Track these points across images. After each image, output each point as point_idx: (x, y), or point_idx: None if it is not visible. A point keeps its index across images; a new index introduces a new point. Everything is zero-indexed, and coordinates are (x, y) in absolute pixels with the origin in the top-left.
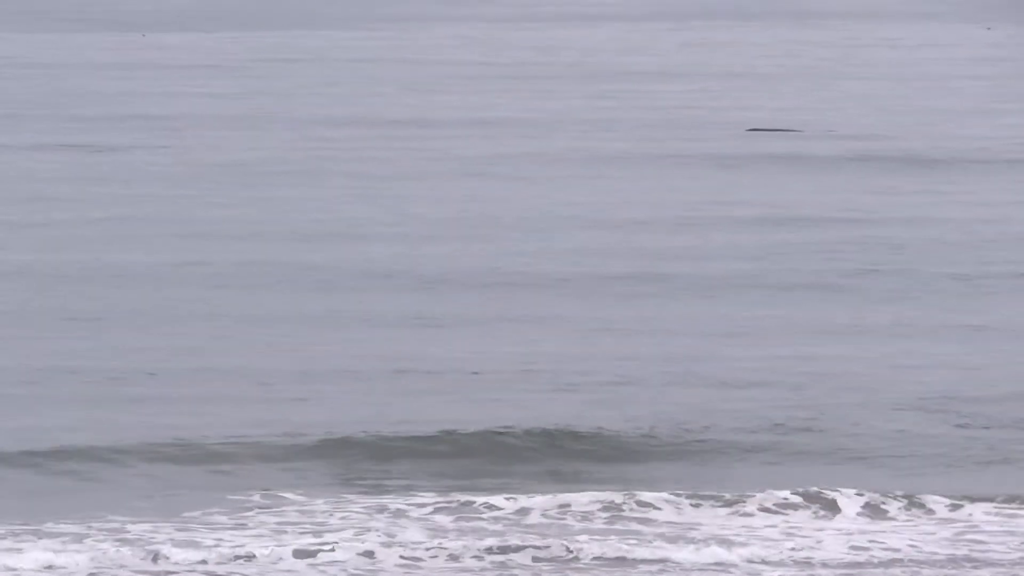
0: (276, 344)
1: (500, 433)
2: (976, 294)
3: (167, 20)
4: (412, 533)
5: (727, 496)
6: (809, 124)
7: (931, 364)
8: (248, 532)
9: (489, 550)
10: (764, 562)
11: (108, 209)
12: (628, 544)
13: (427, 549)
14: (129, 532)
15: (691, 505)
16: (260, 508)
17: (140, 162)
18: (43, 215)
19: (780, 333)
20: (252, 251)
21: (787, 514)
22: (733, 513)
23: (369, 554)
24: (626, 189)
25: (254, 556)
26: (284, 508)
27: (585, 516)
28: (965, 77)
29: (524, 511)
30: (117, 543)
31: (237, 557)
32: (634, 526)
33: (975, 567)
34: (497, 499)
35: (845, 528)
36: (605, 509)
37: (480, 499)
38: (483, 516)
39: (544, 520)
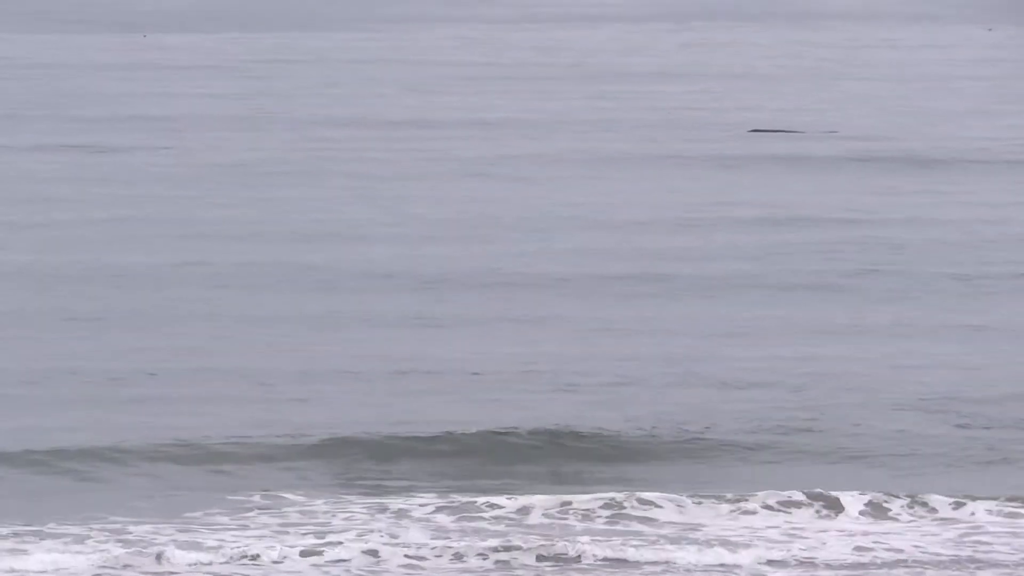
0: (276, 344)
1: (501, 433)
2: (976, 294)
3: (168, 21)
4: (415, 534)
5: (729, 496)
6: (810, 125)
7: (931, 364)
8: (250, 533)
9: (492, 550)
10: (767, 563)
11: (109, 210)
12: (630, 545)
13: (431, 549)
14: (131, 533)
15: (693, 505)
16: (261, 509)
17: (141, 163)
18: (43, 216)
19: (781, 333)
20: (252, 252)
21: (790, 514)
22: (735, 513)
23: (373, 554)
24: (626, 190)
25: (259, 557)
26: (285, 509)
27: (587, 516)
28: (966, 78)
29: (526, 511)
30: (120, 544)
31: (242, 557)
32: (636, 526)
33: (979, 568)
34: (499, 499)
35: (848, 529)
36: (607, 509)
37: (482, 499)
38: (485, 516)
39: (546, 520)
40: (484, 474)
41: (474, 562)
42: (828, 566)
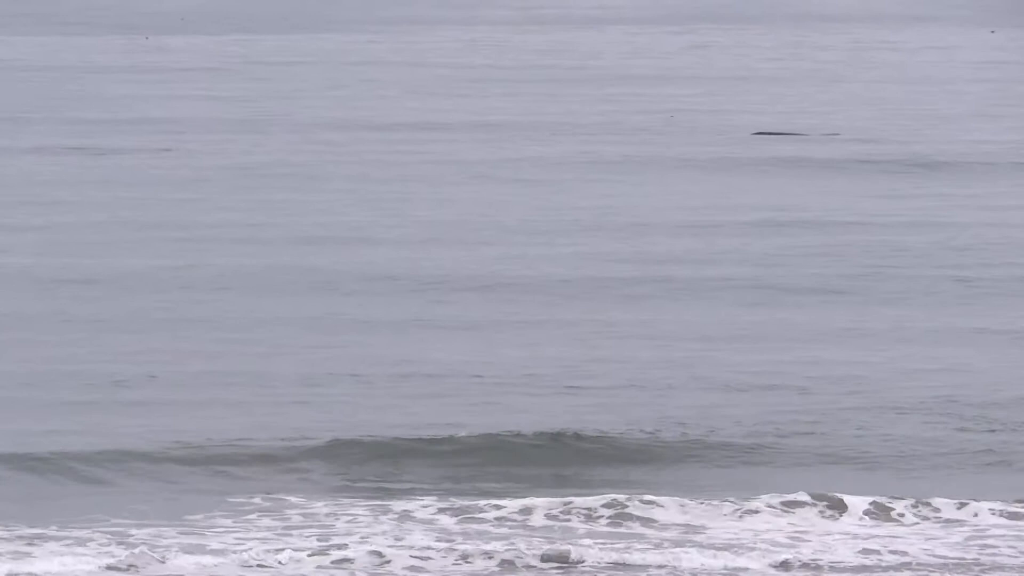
0: (278, 347)
1: (504, 436)
2: (979, 297)
3: (170, 23)
4: (418, 536)
5: (733, 499)
6: (813, 127)
7: (935, 367)
8: (253, 535)
9: (496, 553)
10: (772, 566)
11: (110, 212)
12: (634, 547)
13: (436, 551)
14: (133, 536)
15: (697, 508)
16: (263, 511)
17: (142, 165)
18: (45, 218)
19: (784, 336)
20: (254, 254)
21: (794, 517)
22: (739, 516)
23: (378, 556)
24: (629, 192)
25: (262, 559)
26: (287, 511)
27: (590, 518)
28: (969, 80)
29: (529, 513)
30: (123, 547)
31: (246, 560)
32: (639, 529)
33: (984, 571)
34: (502, 501)
35: (853, 532)
36: (610, 511)
37: (485, 502)
38: (488, 519)
39: (549, 523)
40: (487, 476)
41: (479, 564)
42: (833, 569)
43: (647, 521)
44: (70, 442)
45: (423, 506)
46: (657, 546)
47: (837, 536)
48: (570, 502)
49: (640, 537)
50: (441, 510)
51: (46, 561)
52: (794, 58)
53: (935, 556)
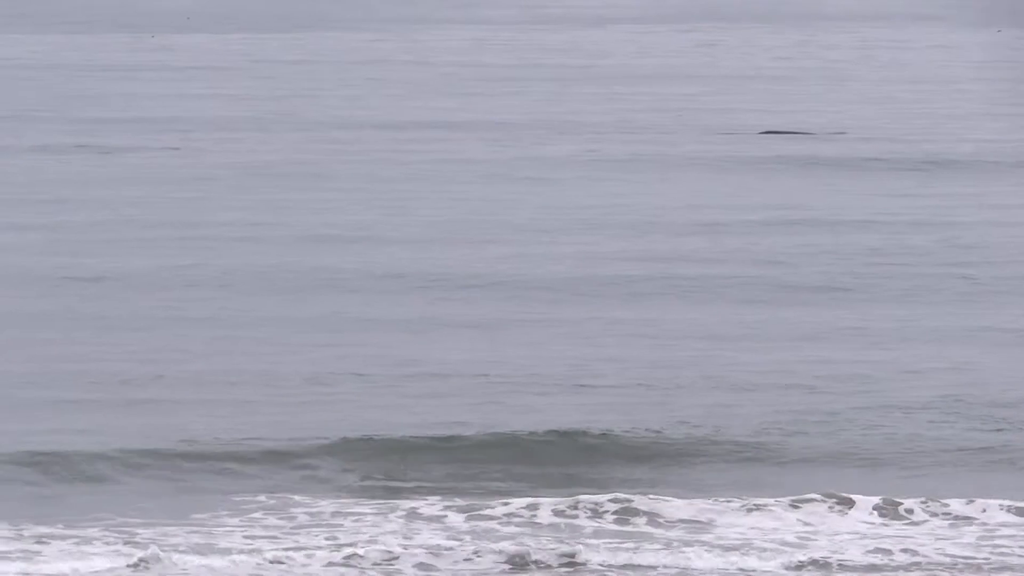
0: (285, 346)
1: (511, 434)
2: (986, 296)
3: (175, 22)
4: (427, 535)
5: (741, 498)
6: (819, 126)
7: (942, 367)
8: (260, 534)
9: (503, 552)
10: (782, 566)
11: (116, 211)
12: (643, 547)
13: (446, 549)
14: (140, 535)
15: (706, 508)
16: (269, 510)
17: (148, 164)
18: (51, 217)
19: (791, 336)
20: (260, 253)
21: (804, 517)
22: (748, 516)
23: (387, 554)
24: (636, 191)
25: (270, 558)
26: (293, 510)
27: (598, 517)
28: (975, 79)
29: (538, 513)
30: (130, 546)
31: (253, 559)
32: (648, 528)
33: (995, 570)
34: (510, 500)
35: (863, 531)
36: (618, 511)
37: (492, 500)
38: (496, 517)
39: (558, 521)
40: (494, 475)
41: (487, 563)
42: (844, 568)
43: (655, 520)
44: (76, 441)
45: (430, 505)
46: (667, 546)
47: (847, 535)
48: (578, 500)
49: (648, 536)
50: (449, 508)
51: (59, 562)
52: (801, 57)
53: (946, 555)
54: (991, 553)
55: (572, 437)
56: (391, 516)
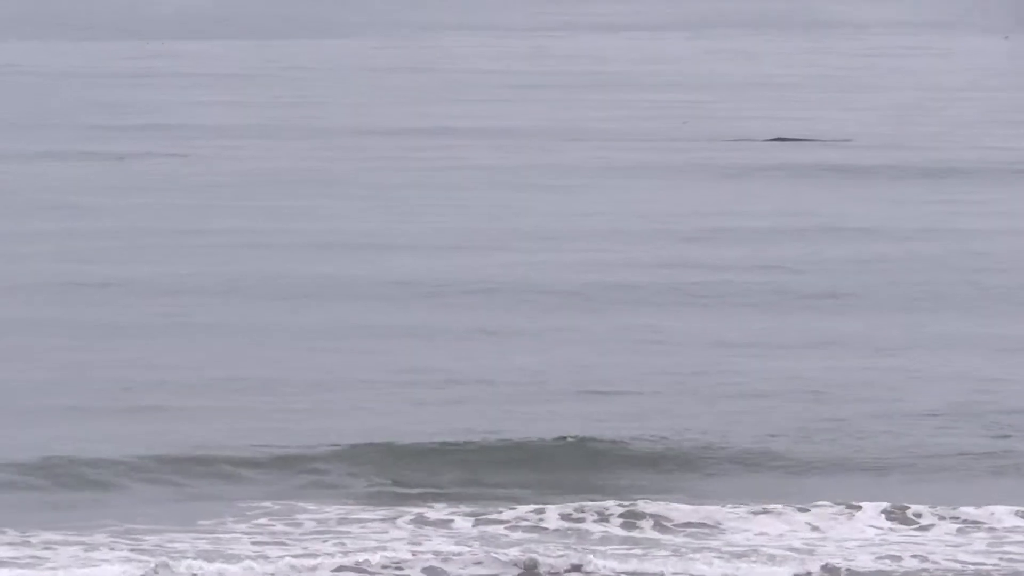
0: (291, 353)
1: (519, 442)
2: (994, 304)
3: (183, 28)
4: (434, 541)
5: (750, 505)
6: (826, 134)
7: (950, 374)
8: (267, 541)
9: (512, 558)
10: (792, 573)
11: (123, 218)
12: (651, 554)
13: (455, 555)
14: (146, 541)
15: (713, 514)
16: (275, 516)
17: (155, 171)
18: (58, 224)
19: (799, 343)
20: (267, 260)
21: (812, 523)
22: (756, 522)
23: (395, 561)
24: (644, 199)
25: (280, 565)
26: (299, 516)
27: (606, 524)
28: (982, 87)
29: (545, 519)
30: (136, 552)
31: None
32: (656, 535)
33: None
34: (517, 506)
35: (872, 537)
36: (626, 517)
37: (500, 507)
38: (503, 524)
39: (565, 528)
40: (501, 482)
41: (495, 569)
42: (853, 575)
43: (662, 527)
44: (82, 447)
45: (438, 511)
46: (675, 552)
47: (856, 542)
48: (584, 507)
49: (656, 543)
50: (456, 514)
51: (72, 568)
52: (808, 64)
53: (956, 561)
54: (1000, 559)
55: (579, 444)
56: (399, 522)
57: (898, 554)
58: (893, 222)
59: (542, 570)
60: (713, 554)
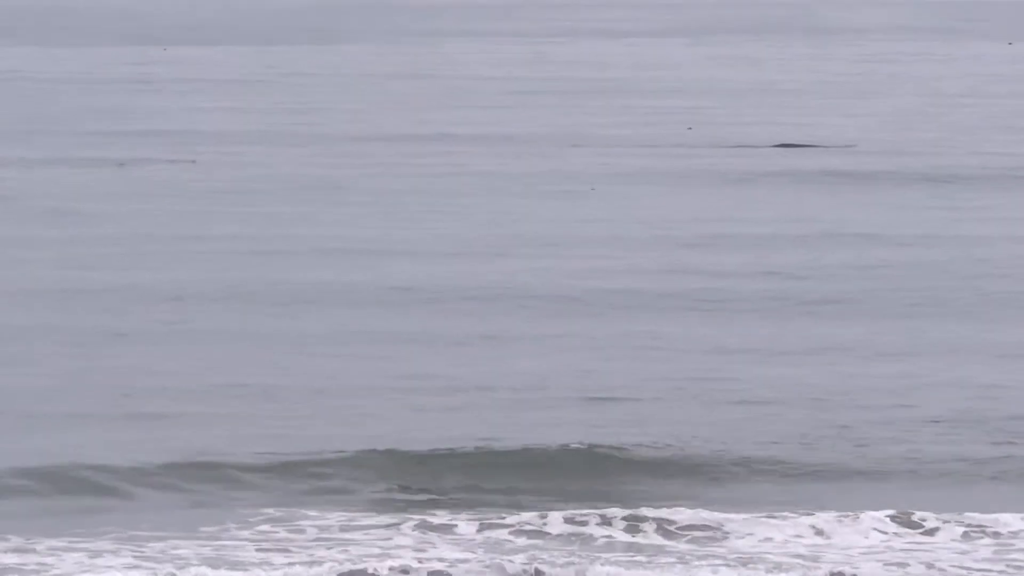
0: (293, 359)
1: (521, 449)
2: (998, 310)
3: (184, 34)
4: (439, 549)
5: (754, 513)
6: (829, 139)
7: (954, 381)
8: (270, 548)
9: (514, 566)
10: None
11: (127, 225)
12: (655, 561)
13: (461, 562)
14: (150, 547)
15: (718, 522)
16: (276, 522)
17: (157, 177)
18: (61, 231)
19: (802, 350)
20: (270, 267)
21: (817, 531)
22: (761, 530)
23: (401, 568)
24: (645, 205)
25: (289, 573)
26: (301, 523)
27: (610, 532)
28: (986, 93)
29: (548, 526)
30: (140, 559)
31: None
32: (660, 542)
33: None
34: (520, 513)
35: (877, 544)
36: (629, 524)
37: (502, 515)
38: (507, 532)
39: (568, 534)
40: (503, 488)
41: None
42: None
43: (666, 534)
44: (84, 454)
45: (440, 517)
46: (680, 559)
47: (862, 549)
48: (588, 513)
49: (660, 549)
50: (458, 521)
51: None
52: (809, 70)
53: (963, 568)
54: (1008, 566)
55: (582, 450)
56: (402, 528)
57: (904, 561)
58: (895, 228)
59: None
60: (719, 561)
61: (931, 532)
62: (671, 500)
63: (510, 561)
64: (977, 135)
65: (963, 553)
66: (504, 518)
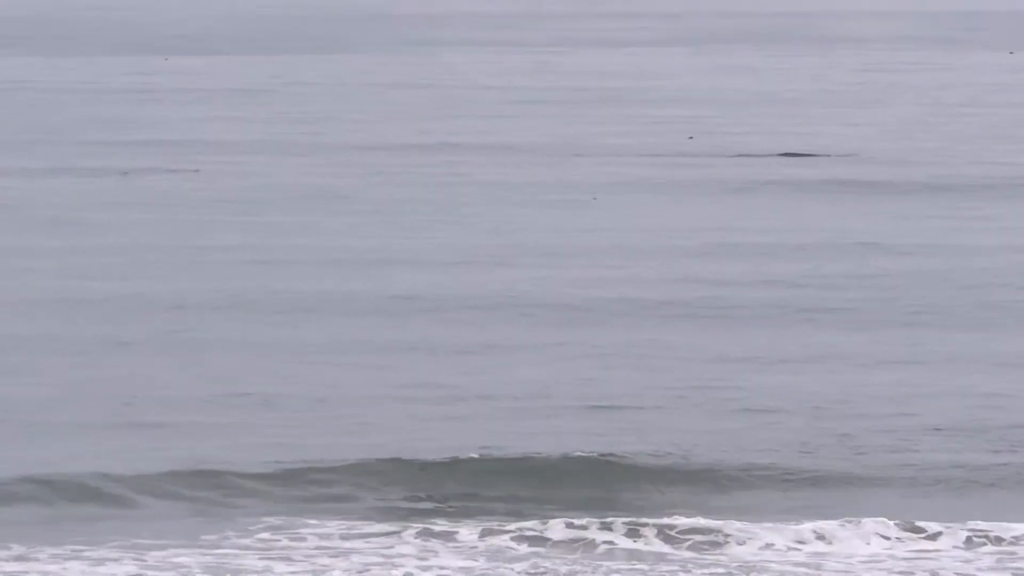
0: (294, 368)
1: (523, 458)
2: (1000, 320)
3: (185, 44)
4: (441, 557)
5: (755, 522)
6: (830, 148)
7: (953, 390)
8: (272, 557)
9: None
10: None
11: (129, 234)
12: (656, 569)
13: (461, 570)
14: (151, 556)
15: (719, 530)
16: (276, 531)
17: (159, 187)
18: (63, 240)
19: (804, 359)
20: (270, 277)
21: (818, 540)
22: (762, 539)
23: None
24: (646, 215)
25: None
26: (302, 531)
27: (611, 541)
28: (987, 102)
29: (550, 535)
30: (142, 567)
31: None
32: (661, 550)
33: None
34: (522, 522)
35: (879, 553)
36: (630, 533)
37: (504, 523)
38: (509, 540)
39: (570, 541)
40: (504, 497)
41: None
42: None
43: (667, 543)
44: (85, 463)
45: (441, 526)
46: (682, 567)
47: (864, 557)
48: (589, 521)
49: (663, 557)
50: (462, 532)
51: None
52: (810, 80)
53: None
54: (1014, 574)
55: (583, 458)
56: (403, 535)
57: (907, 570)
58: (896, 237)
59: None
60: (721, 569)
61: (934, 540)
62: (672, 508)
63: (512, 569)
64: (978, 144)
65: (967, 561)
66: (506, 526)
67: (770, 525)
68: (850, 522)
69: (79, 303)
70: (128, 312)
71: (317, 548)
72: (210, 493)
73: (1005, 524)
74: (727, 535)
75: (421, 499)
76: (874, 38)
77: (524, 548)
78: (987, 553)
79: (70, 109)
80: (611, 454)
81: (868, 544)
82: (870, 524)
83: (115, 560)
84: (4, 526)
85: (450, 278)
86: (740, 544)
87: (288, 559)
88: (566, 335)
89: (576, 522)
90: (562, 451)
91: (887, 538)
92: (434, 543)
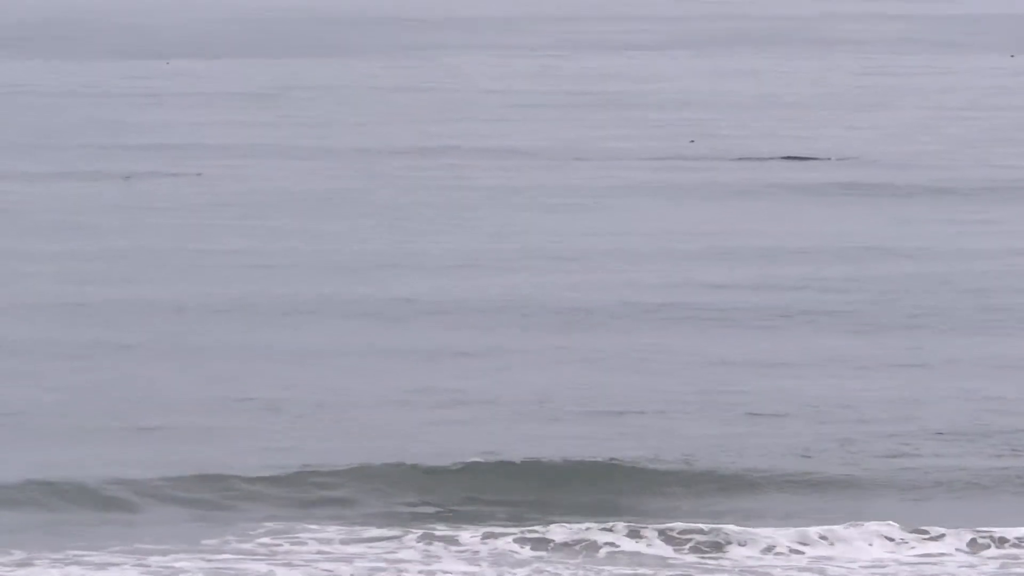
0: (295, 374)
1: (524, 462)
2: (1000, 324)
3: (188, 48)
4: (446, 562)
5: (756, 527)
6: (832, 152)
7: (956, 394)
8: (274, 562)
9: None
10: None
11: (131, 238)
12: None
13: (464, 574)
14: (153, 561)
15: (720, 536)
16: (277, 535)
17: (162, 191)
18: (65, 244)
19: (805, 364)
20: (273, 281)
21: (820, 545)
22: (763, 544)
23: None
24: (648, 218)
25: None
26: (303, 535)
27: (613, 545)
28: (988, 105)
29: (553, 540)
30: (145, 574)
31: None
32: (663, 553)
33: None
34: (524, 526)
35: (882, 558)
36: (632, 537)
37: (507, 527)
38: (512, 544)
39: (573, 548)
40: (505, 501)
41: None
42: None
43: (669, 547)
44: (87, 468)
45: (443, 530)
46: (684, 572)
47: (867, 562)
48: (591, 526)
49: (664, 562)
50: (463, 538)
51: None
52: (812, 83)
53: None
54: None
55: (586, 463)
56: (406, 540)
57: (912, 574)
58: (897, 241)
59: None
60: (724, 574)
61: (937, 545)
62: (675, 512)
63: (514, 573)
64: (979, 148)
65: (971, 567)
66: (508, 531)
67: (773, 529)
68: (853, 525)
69: (80, 307)
70: (129, 316)
71: (318, 553)
72: (211, 497)
73: (1010, 528)
74: (730, 539)
75: (423, 503)
76: (875, 41)
77: (527, 552)
78: (991, 557)
79: (71, 113)
80: (613, 458)
81: (871, 547)
82: (873, 527)
83: (116, 565)
84: (5, 531)
85: (452, 282)
86: (742, 547)
87: (289, 564)
88: (567, 339)
89: (578, 527)
90: (564, 455)
91: (891, 540)
92: (436, 547)
